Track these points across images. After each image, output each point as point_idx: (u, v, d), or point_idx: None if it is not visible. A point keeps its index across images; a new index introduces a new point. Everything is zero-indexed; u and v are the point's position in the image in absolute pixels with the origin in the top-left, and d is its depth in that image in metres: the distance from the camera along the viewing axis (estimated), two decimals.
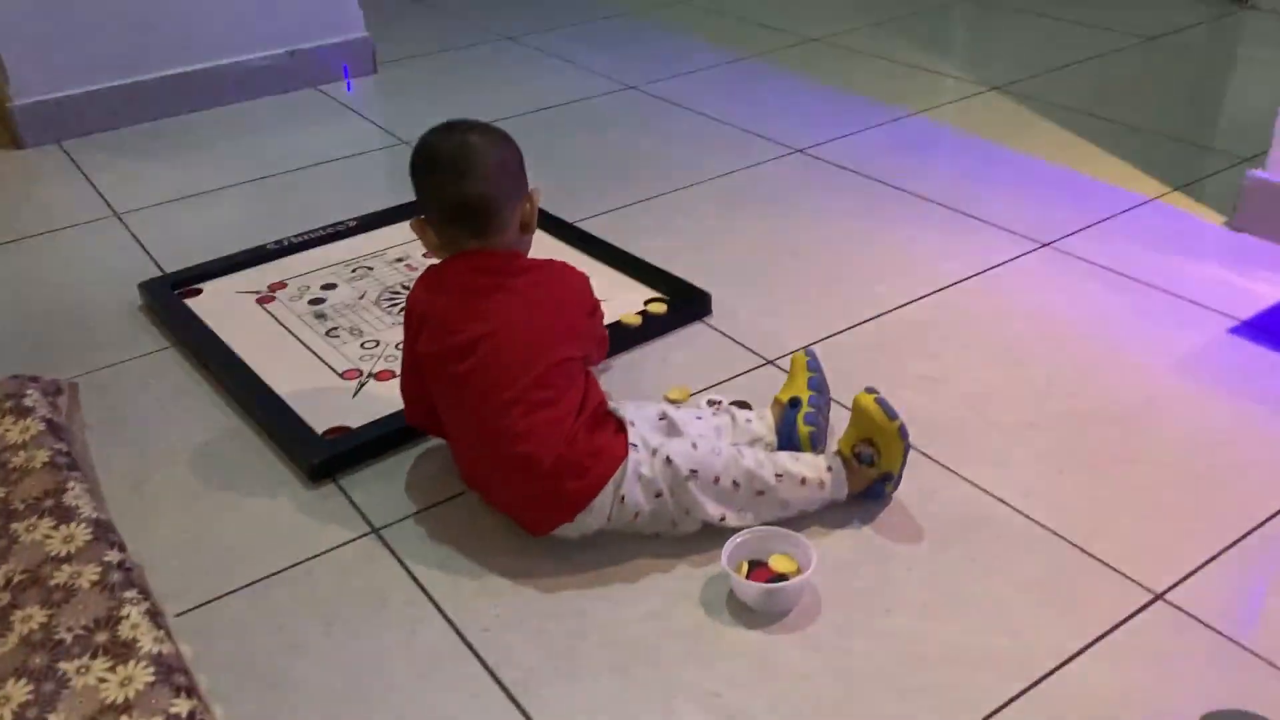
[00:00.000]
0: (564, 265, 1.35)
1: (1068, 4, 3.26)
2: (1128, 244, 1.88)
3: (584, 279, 1.36)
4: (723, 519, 1.23)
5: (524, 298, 1.26)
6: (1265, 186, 1.87)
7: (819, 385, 1.38)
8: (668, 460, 1.22)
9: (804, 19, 3.23)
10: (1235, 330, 1.63)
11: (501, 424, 1.20)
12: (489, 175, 1.25)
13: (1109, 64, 2.78)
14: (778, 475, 1.24)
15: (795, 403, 1.35)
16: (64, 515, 0.92)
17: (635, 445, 1.22)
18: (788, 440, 1.33)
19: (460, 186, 1.25)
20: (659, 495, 1.22)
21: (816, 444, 1.32)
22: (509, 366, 1.21)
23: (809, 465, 1.27)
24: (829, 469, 1.27)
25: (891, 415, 1.25)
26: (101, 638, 0.80)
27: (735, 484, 1.23)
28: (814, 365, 1.41)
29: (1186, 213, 1.99)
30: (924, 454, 1.39)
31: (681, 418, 1.33)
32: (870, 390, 1.27)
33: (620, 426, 1.25)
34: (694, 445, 1.24)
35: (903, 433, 1.25)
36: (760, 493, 1.24)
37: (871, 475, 1.28)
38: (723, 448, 1.25)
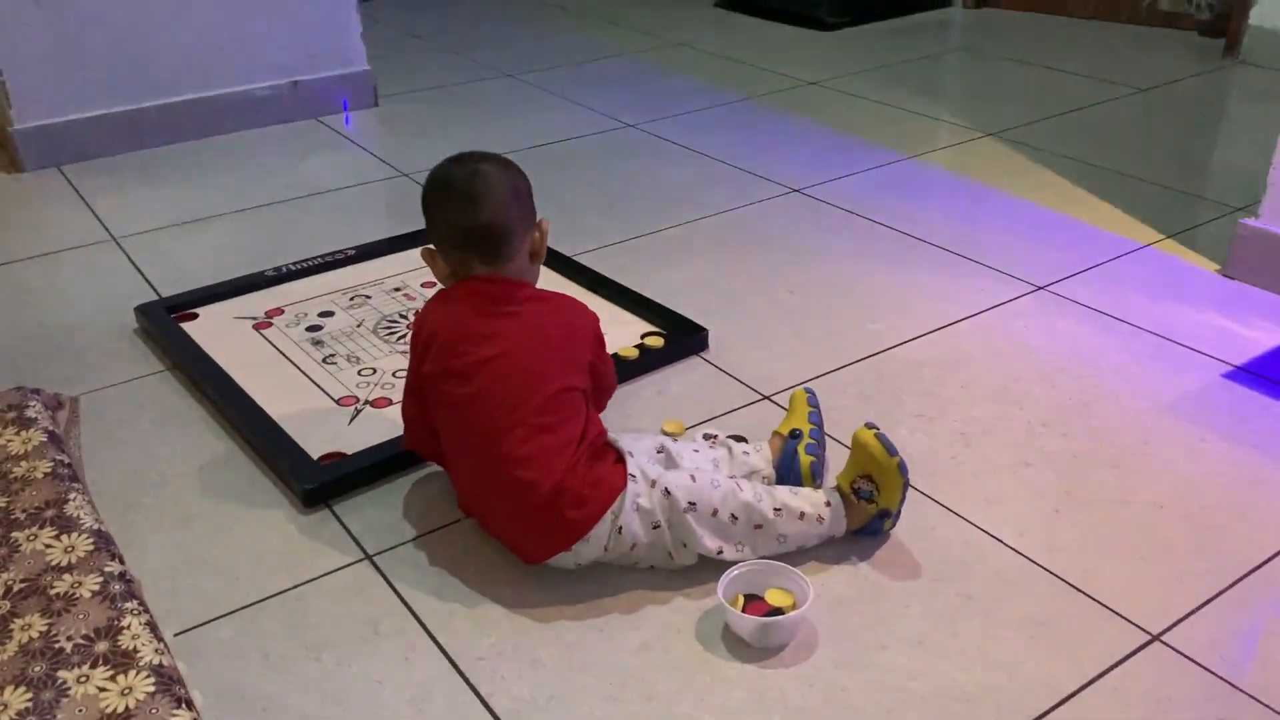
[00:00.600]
0: (573, 299, 1.37)
1: (1061, 55, 3.31)
2: (1121, 289, 1.90)
3: (592, 315, 1.36)
4: (720, 552, 1.23)
5: (530, 324, 1.27)
6: (1258, 235, 1.89)
7: (819, 420, 1.39)
8: (666, 492, 1.21)
9: (802, 64, 3.27)
10: (1229, 375, 1.64)
11: (502, 449, 1.20)
12: (500, 202, 1.26)
13: (1102, 114, 2.82)
14: (776, 509, 1.24)
15: (796, 434, 1.35)
16: (65, 525, 0.92)
17: (634, 476, 1.22)
18: (788, 470, 1.33)
19: (472, 212, 1.26)
20: (656, 527, 1.21)
21: (816, 475, 1.33)
22: (512, 391, 1.21)
23: (808, 500, 1.26)
24: (828, 504, 1.27)
25: (891, 451, 1.25)
26: (102, 647, 0.79)
27: (733, 517, 1.23)
28: (813, 401, 1.42)
29: (1180, 259, 2.01)
30: (920, 492, 1.39)
31: (678, 450, 1.33)
32: (870, 426, 1.28)
33: (620, 457, 1.25)
34: (692, 477, 1.24)
35: (902, 469, 1.25)
36: (758, 526, 1.24)
37: (870, 511, 1.27)
38: (721, 480, 1.25)
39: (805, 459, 1.33)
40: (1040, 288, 1.91)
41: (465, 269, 1.30)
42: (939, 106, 2.91)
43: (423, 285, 1.92)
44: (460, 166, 1.29)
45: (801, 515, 1.25)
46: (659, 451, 1.32)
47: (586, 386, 1.30)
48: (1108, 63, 3.22)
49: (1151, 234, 2.11)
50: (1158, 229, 2.13)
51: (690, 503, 1.21)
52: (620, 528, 1.20)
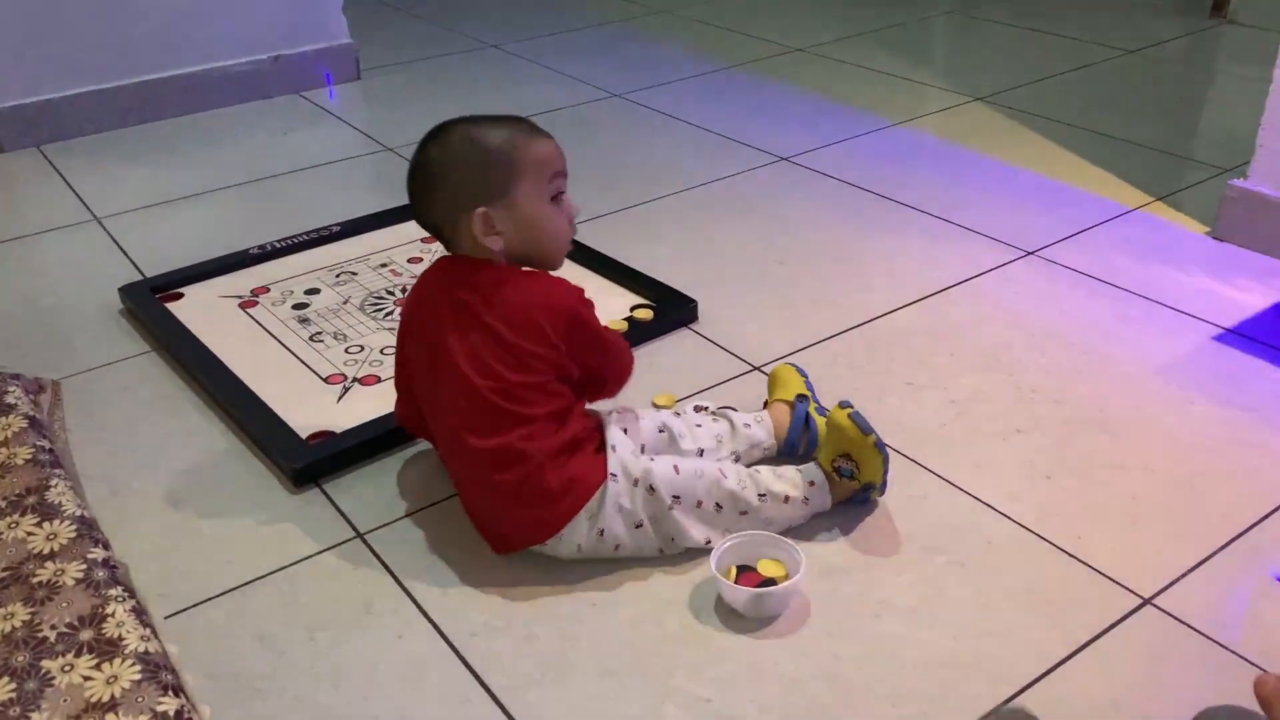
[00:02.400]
0: (546, 281, 1.24)
1: (1049, 18, 3.29)
2: (1112, 252, 1.89)
3: (563, 300, 1.21)
4: (708, 542, 1.21)
5: (486, 314, 1.18)
6: (1248, 196, 1.88)
7: (812, 387, 1.39)
8: (651, 489, 1.20)
9: (788, 30, 3.24)
10: (1220, 338, 1.64)
11: (466, 441, 1.19)
12: (431, 200, 1.21)
13: (1090, 76, 2.80)
14: (760, 495, 1.24)
15: (803, 398, 1.35)
16: (47, 512, 0.91)
17: (615, 475, 1.19)
18: (799, 435, 1.32)
19: (417, 207, 1.24)
20: (639, 526, 1.20)
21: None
22: (468, 386, 1.17)
23: (791, 483, 1.26)
24: (811, 483, 1.26)
25: (865, 430, 1.24)
26: (86, 635, 0.79)
27: (718, 506, 1.22)
28: (802, 371, 1.41)
29: (1169, 222, 2.01)
30: (911, 460, 1.39)
31: (681, 428, 1.31)
32: (844, 405, 1.26)
33: (601, 446, 1.22)
34: (676, 468, 1.22)
35: (879, 446, 1.24)
36: (744, 513, 1.23)
37: (853, 487, 1.27)
38: (705, 469, 1.23)
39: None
40: (1029, 253, 1.90)
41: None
42: (926, 71, 2.89)
43: (409, 261, 1.91)
44: (416, 154, 1.22)
45: (786, 499, 1.25)
46: (660, 431, 1.31)
47: (561, 377, 1.21)
48: (1095, 24, 3.20)
49: (1140, 197, 2.11)
50: (1146, 192, 2.12)
51: (674, 496, 1.20)
52: (601, 530, 1.19)
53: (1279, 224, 1.85)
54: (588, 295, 1.25)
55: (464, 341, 1.18)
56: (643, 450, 1.28)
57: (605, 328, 1.28)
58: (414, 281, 1.80)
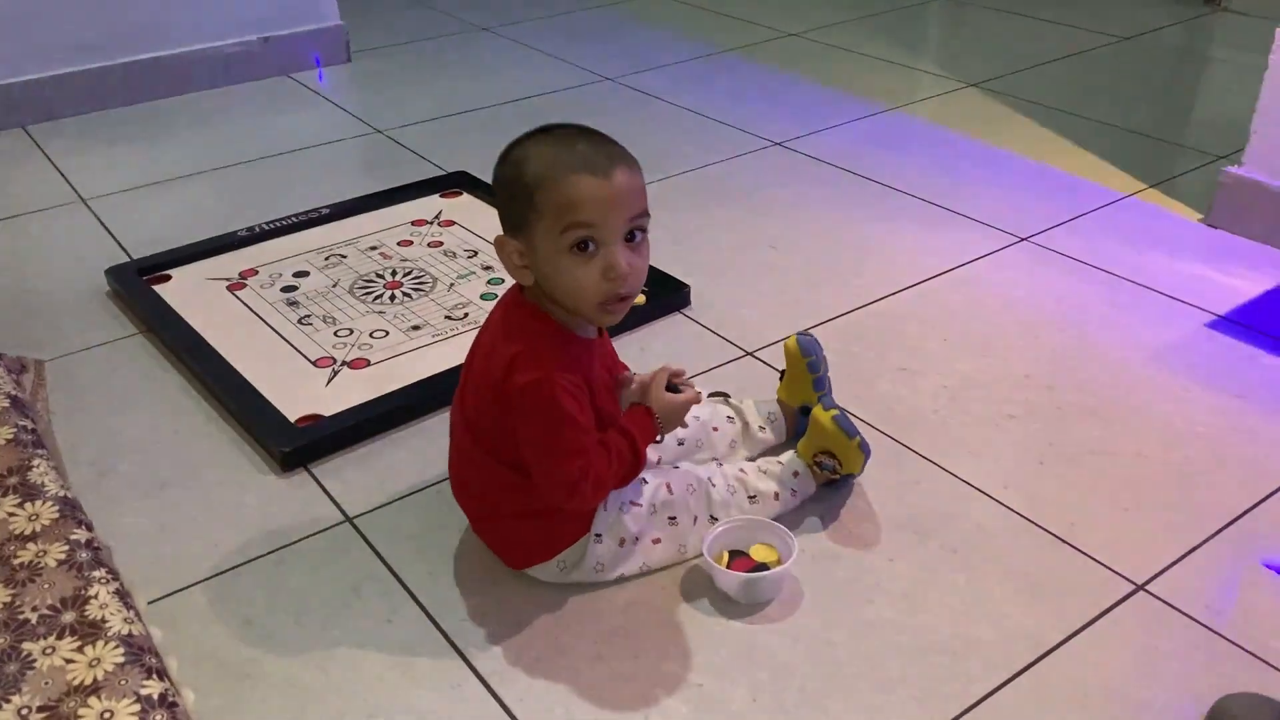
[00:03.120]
0: (525, 355, 1.06)
1: (1043, 4, 3.28)
2: (1105, 239, 1.89)
3: (513, 372, 1.06)
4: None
5: (487, 342, 1.14)
6: (1241, 183, 1.88)
7: (824, 384, 1.35)
8: (635, 539, 1.18)
9: (781, 14, 3.23)
10: (1212, 325, 1.63)
11: (455, 434, 1.20)
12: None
13: (1084, 63, 2.79)
14: (751, 497, 1.24)
15: (807, 409, 1.33)
16: (29, 492, 0.89)
17: (600, 536, 1.16)
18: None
19: None
20: (619, 579, 1.19)
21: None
22: (464, 387, 1.18)
23: (777, 479, 1.26)
24: (795, 473, 1.27)
25: (850, 434, 1.24)
26: (68, 617, 0.77)
27: (713, 518, 1.22)
28: (815, 365, 1.35)
29: (1162, 209, 2.00)
30: (904, 445, 1.38)
31: (700, 435, 1.31)
32: (830, 407, 1.26)
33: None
34: (669, 487, 1.20)
35: (863, 448, 1.25)
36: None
37: (834, 478, 1.28)
38: (698, 482, 1.22)
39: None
40: (1023, 239, 1.90)
41: None
42: (920, 57, 2.88)
43: (399, 244, 1.90)
44: None
45: (776, 496, 1.25)
46: (680, 443, 1.30)
47: (512, 459, 1.11)
48: (1089, 11, 3.19)
49: (1134, 184, 2.10)
50: (1140, 178, 2.12)
51: (670, 518, 1.20)
52: (577, 582, 1.18)
53: (1272, 211, 1.85)
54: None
55: (478, 351, 1.16)
56: (659, 462, 1.27)
57: (585, 446, 1.08)
58: (404, 264, 1.83)
